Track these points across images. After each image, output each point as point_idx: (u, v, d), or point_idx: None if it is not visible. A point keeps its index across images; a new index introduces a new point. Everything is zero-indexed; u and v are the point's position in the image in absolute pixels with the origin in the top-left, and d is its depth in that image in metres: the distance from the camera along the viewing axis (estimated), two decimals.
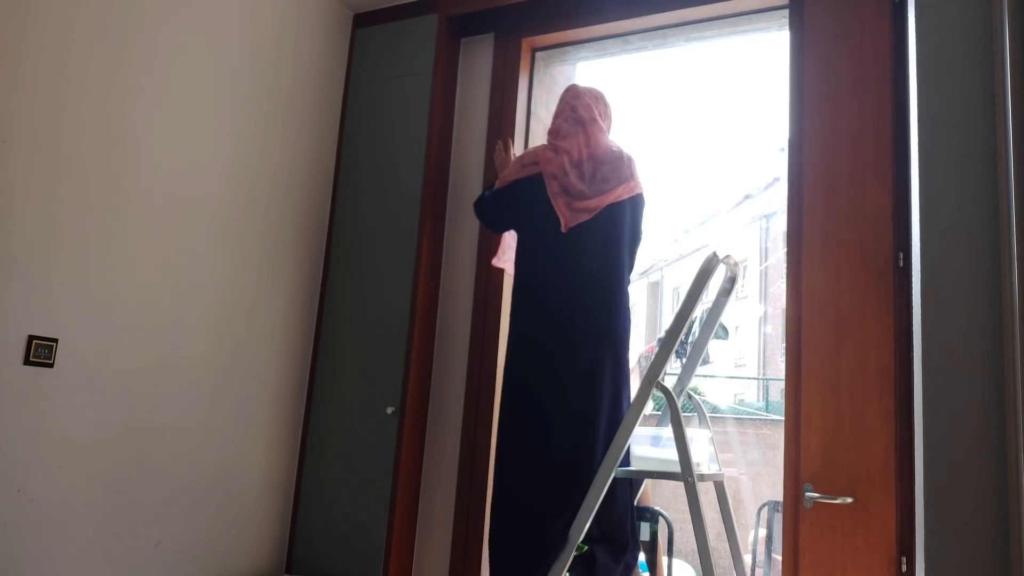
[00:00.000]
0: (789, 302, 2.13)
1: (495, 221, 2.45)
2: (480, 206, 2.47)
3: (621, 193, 2.20)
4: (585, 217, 2.18)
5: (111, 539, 2.16)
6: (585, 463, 2.04)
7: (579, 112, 2.30)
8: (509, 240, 2.49)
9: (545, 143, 2.35)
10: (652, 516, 2.44)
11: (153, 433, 2.27)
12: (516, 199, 2.31)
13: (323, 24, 2.90)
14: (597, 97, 2.36)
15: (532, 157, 2.32)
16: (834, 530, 1.96)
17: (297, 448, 2.75)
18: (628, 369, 2.17)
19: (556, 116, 2.36)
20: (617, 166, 2.22)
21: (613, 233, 2.19)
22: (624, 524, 2.06)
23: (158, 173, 2.29)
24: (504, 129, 2.75)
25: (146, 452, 2.25)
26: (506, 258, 2.50)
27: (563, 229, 2.19)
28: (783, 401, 2.12)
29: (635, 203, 2.26)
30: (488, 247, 2.69)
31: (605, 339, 2.11)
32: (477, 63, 2.90)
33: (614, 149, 2.27)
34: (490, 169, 2.73)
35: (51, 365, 2.00)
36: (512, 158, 2.65)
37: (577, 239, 2.18)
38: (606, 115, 2.37)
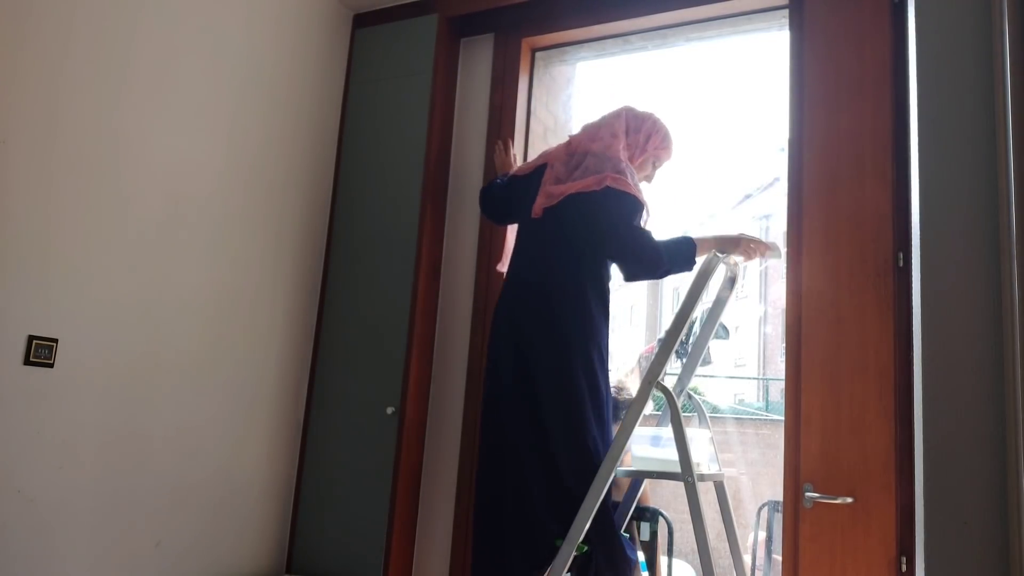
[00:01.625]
0: (789, 302, 2.13)
1: (497, 210, 2.46)
2: (486, 193, 2.48)
3: (589, 184, 2.12)
4: (551, 202, 2.17)
5: (111, 539, 2.16)
6: (516, 444, 2.07)
7: (605, 118, 2.30)
8: (512, 241, 2.49)
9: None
10: (652, 516, 2.44)
11: (153, 433, 2.27)
12: (521, 189, 2.32)
13: (323, 24, 2.90)
14: (633, 116, 2.30)
15: (548, 150, 2.34)
16: (834, 530, 1.96)
17: (297, 448, 2.75)
18: (586, 362, 2.05)
19: None
20: (601, 161, 2.16)
21: (575, 223, 2.13)
22: (608, 525, 2.03)
23: (158, 173, 2.29)
24: (504, 129, 2.75)
25: (146, 452, 2.25)
26: (504, 259, 2.51)
27: (532, 214, 2.20)
28: (783, 401, 2.12)
29: (605, 194, 2.10)
30: (488, 247, 2.69)
31: (556, 331, 2.07)
32: (477, 63, 2.90)
33: (609, 153, 2.19)
34: (490, 169, 2.72)
35: (51, 365, 2.00)
36: (512, 158, 2.66)
37: (544, 228, 2.18)
38: (639, 132, 2.28)
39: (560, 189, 2.16)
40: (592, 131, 2.27)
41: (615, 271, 2.19)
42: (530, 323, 2.11)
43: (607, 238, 2.10)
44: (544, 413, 2.05)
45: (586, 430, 2.01)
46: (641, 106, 2.35)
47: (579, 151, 2.23)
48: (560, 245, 2.14)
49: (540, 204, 2.20)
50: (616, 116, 2.28)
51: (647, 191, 2.30)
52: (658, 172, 2.40)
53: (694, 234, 2.12)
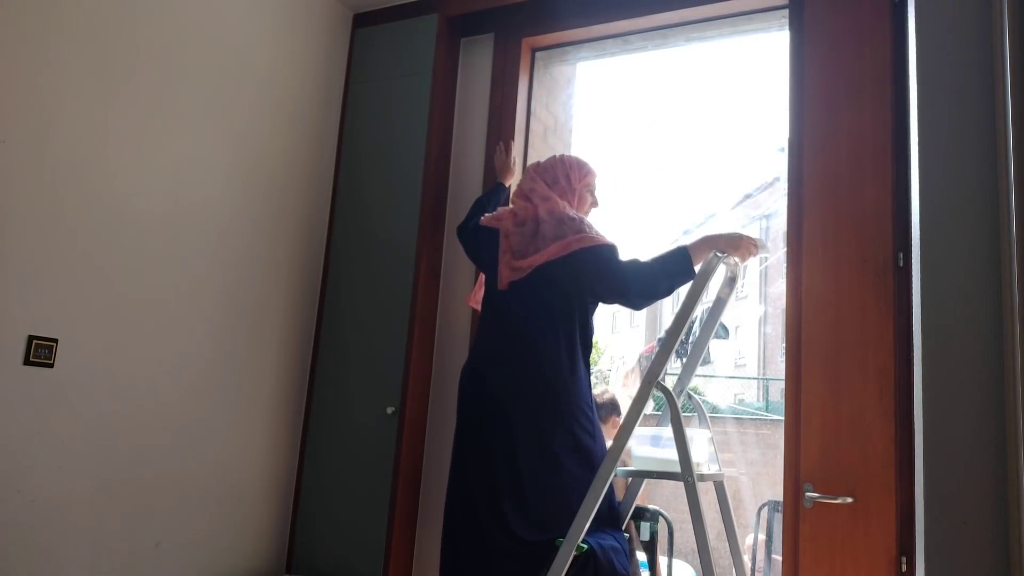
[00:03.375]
0: (789, 302, 2.13)
1: (468, 249, 2.47)
2: (462, 230, 2.48)
3: (554, 252, 2.12)
4: (518, 276, 2.16)
5: (111, 539, 2.16)
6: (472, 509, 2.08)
7: (523, 188, 2.31)
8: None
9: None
10: (652, 516, 2.44)
11: (153, 433, 2.27)
12: (484, 246, 2.32)
13: (323, 24, 2.90)
14: (544, 169, 2.32)
15: (501, 213, 2.34)
16: (834, 530, 1.96)
17: (297, 448, 2.75)
18: (562, 432, 2.06)
19: (516, 186, 2.40)
20: (557, 227, 2.16)
21: (548, 293, 2.13)
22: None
23: (157, 173, 2.29)
24: (504, 129, 2.75)
25: (146, 452, 2.25)
26: (477, 298, 2.51)
27: (499, 286, 2.19)
28: (783, 401, 2.12)
29: (577, 258, 2.11)
30: None
31: (526, 400, 2.07)
32: (477, 63, 2.90)
33: (557, 212, 2.19)
34: (490, 170, 2.73)
35: (51, 365, 2.00)
36: (512, 161, 2.66)
37: (515, 298, 2.16)
38: (558, 180, 2.29)
39: (527, 263, 2.15)
40: (527, 198, 2.27)
41: (611, 312, 2.21)
42: (504, 396, 2.10)
43: (600, 288, 2.11)
44: (523, 479, 2.04)
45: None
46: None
47: (529, 219, 2.22)
48: (534, 315, 2.13)
49: (506, 277, 2.19)
50: (533, 180, 2.29)
51: (601, 213, 2.39)
52: (599, 193, 2.41)
53: (693, 238, 2.11)
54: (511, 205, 2.35)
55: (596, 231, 2.16)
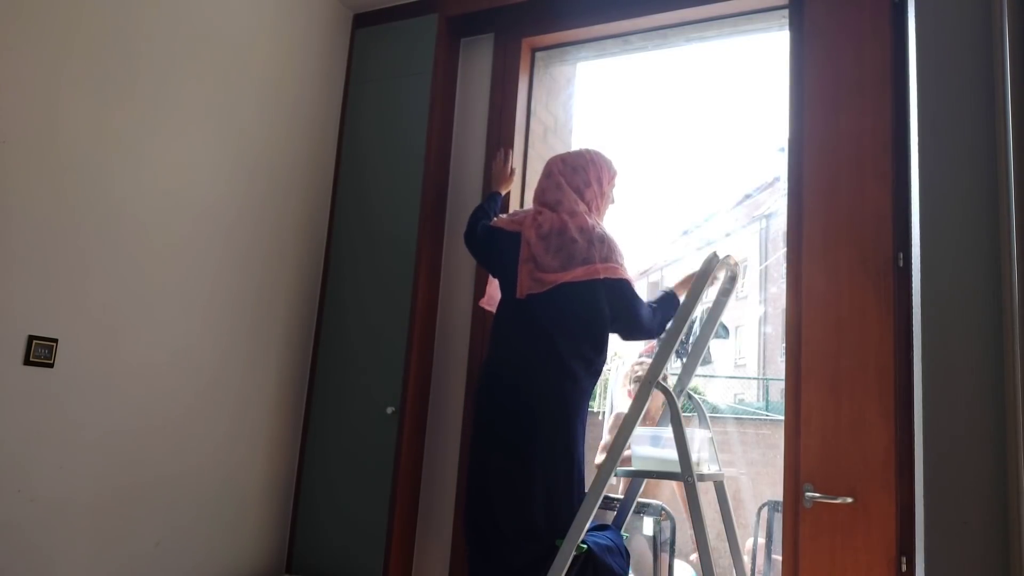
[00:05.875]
0: (789, 302, 2.13)
1: (479, 252, 2.43)
2: (470, 234, 2.44)
3: (580, 274, 2.12)
4: (539, 288, 2.14)
5: (111, 539, 2.16)
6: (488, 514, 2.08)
7: (548, 194, 2.27)
8: (495, 290, 2.46)
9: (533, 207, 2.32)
10: (655, 511, 2.44)
11: (153, 433, 2.27)
12: (501, 248, 2.28)
13: (323, 24, 2.90)
14: (574, 169, 2.28)
15: (521, 216, 2.30)
16: (834, 530, 1.96)
17: (297, 448, 2.75)
18: (563, 446, 2.07)
19: (538, 184, 2.35)
20: (587, 248, 2.15)
21: (566, 311, 2.12)
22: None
23: (158, 173, 2.29)
24: (504, 129, 2.75)
25: (146, 452, 2.25)
26: (491, 299, 2.50)
27: (517, 295, 2.18)
28: (783, 401, 2.12)
29: (602, 287, 2.14)
30: None
31: (534, 412, 2.07)
32: (477, 63, 2.90)
33: (587, 230, 2.18)
34: (490, 171, 2.72)
35: (51, 365, 2.00)
36: (510, 170, 2.64)
37: (535, 309, 2.15)
38: (590, 183, 2.26)
39: (550, 277, 2.14)
40: (554, 208, 2.23)
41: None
42: (516, 404, 2.10)
43: (615, 325, 2.20)
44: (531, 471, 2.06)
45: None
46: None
47: (554, 231, 2.18)
48: (549, 331, 2.12)
49: (526, 288, 2.17)
50: (560, 188, 2.25)
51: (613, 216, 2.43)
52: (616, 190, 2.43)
53: (670, 284, 2.34)
54: (533, 207, 2.31)
55: (622, 260, 2.20)
